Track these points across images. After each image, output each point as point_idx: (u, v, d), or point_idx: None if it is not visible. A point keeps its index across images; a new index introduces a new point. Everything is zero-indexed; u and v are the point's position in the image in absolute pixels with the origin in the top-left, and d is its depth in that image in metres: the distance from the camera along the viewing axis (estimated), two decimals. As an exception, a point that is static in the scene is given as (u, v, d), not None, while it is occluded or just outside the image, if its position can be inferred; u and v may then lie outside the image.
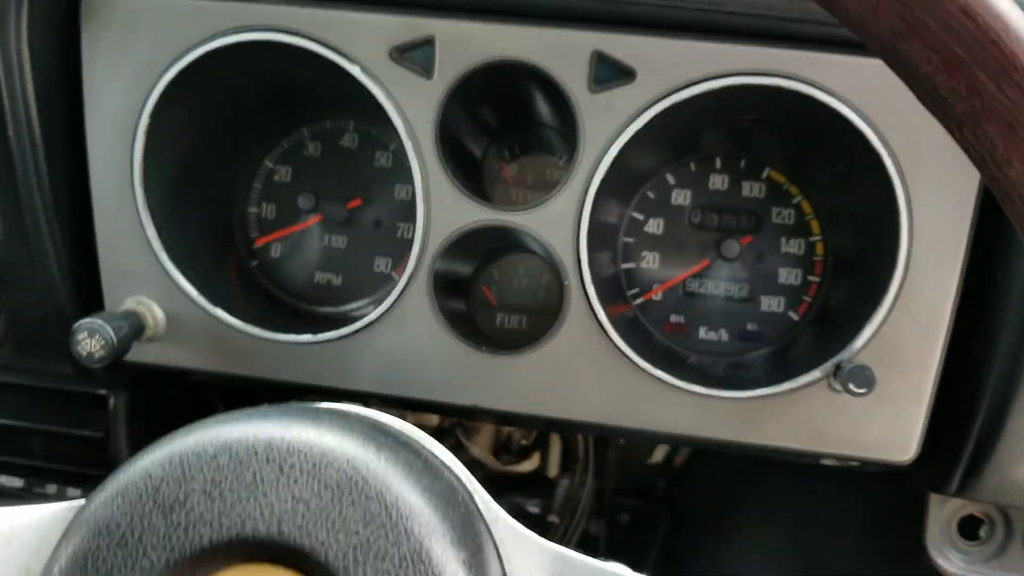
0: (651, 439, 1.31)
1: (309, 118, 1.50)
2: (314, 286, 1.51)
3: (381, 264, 1.50)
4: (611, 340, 1.26)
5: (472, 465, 1.70)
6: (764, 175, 1.41)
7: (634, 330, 1.40)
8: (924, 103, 0.57)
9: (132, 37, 1.24)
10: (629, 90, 1.17)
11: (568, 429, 1.83)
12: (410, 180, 1.44)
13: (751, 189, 1.42)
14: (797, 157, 1.38)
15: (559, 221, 1.24)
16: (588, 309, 1.26)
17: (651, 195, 1.43)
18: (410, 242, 1.46)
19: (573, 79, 1.18)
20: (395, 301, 1.30)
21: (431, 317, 1.30)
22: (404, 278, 1.29)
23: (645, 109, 1.17)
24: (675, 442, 1.31)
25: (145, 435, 1.63)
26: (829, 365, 1.22)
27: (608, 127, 1.19)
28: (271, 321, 1.38)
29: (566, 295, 1.26)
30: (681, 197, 1.43)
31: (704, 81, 1.15)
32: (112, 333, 1.25)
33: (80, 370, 1.45)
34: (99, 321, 1.25)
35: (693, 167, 1.42)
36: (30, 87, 1.23)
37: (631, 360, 1.26)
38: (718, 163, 1.42)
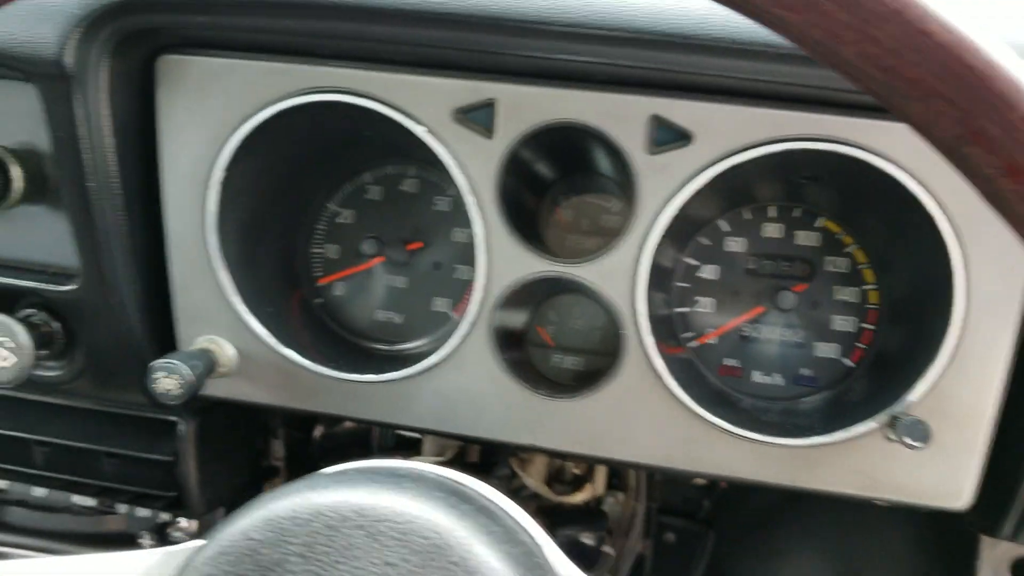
0: (705, 478, 1.34)
1: (371, 163, 1.54)
2: (375, 324, 1.56)
3: (440, 304, 1.54)
4: (668, 388, 1.29)
5: (527, 496, 1.74)
6: (818, 224, 1.44)
7: (688, 372, 1.43)
8: (986, 200, 0.59)
9: (206, 96, 1.30)
10: (686, 152, 1.20)
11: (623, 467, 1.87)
12: (468, 225, 1.50)
13: (805, 237, 1.44)
14: (850, 209, 1.40)
15: (617, 273, 1.28)
16: (645, 358, 1.30)
17: (705, 241, 1.46)
18: (468, 283, 1.51)
19: (631, 141, 1.21)
20: (457, 346, 1.35)
21: (491, 361, 1.35)
22: (466, 325, 1.33)
23: (702, 170, 1.20)
24: (729, 482, 1.34)
25: (211, 457, 1.69)
26: (884, 416, 1.25)
27: (666, 186, 1.23)
28: (334, 358, 1.44)
29: (623, 343, 1.30)
30: (735, 244, 1.46)
31: (760, 145, 1.18)
32: (188, 372, 1.31)
33: (153, 400, 1.51)
34: (175, 360, 1.31)
35: (747, 215, 1.45)
36: (108, 140, 1.29)
37: (687, 407, 1.30)
38: (772, 212, 1.45)
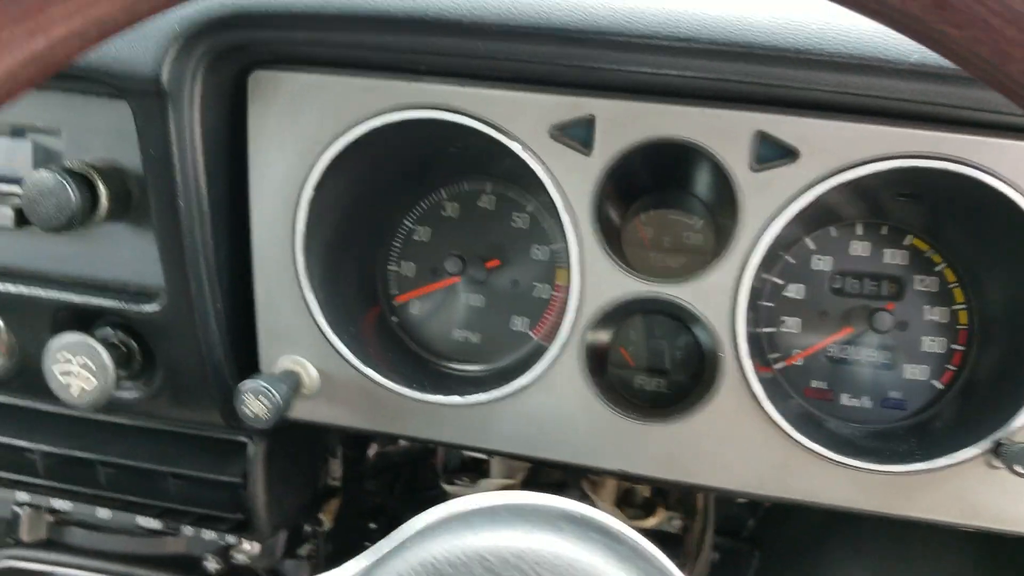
0: (797, 506, 1.32)
1: (448, 179, 1.53)
2: (453, 343, 1.54)
3: (518, 323, 1.52)
4: (765, 412, 1.27)
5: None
6: (906, 242, 1.41)
7: (780, 395, 1.41)
8: None
9: (298, 112, 1.28)
10: (792, 169, 1.19)
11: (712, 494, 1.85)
12: (547, 242, 1.49)
13: (893, 256, 1.42)
14: (940, 227, 1.38)
15: (715, 294, 1.26)
16: (743, 381, 1.27)
17: (791, 260, 1.44)
18: (547, 302, 1.50)
19: (734, 157, 1.20)
20: (547, 368, 1.33)
21: (581, 384, 1.33)
22: (556, 347, 1.31)
23: (808, 188, 1.18)
24: (821, 509, 1.31)
25: (277, 479, 1.68)
26: (988, 442, 1.22)
27: (769, 205, 1.21)
28: (415, 379, 1.42)
29: (720, 366, 1.28)
30: (822, 263, 1.43)
31: (871, 163, 1.16)
32: (277, 394, 1.30)
33: (231, 421, 1.50)
34: (264, 383, 1.30)
35: (834, 233, 1.43)
36: (200, 159, 1.28)
37: (785, 431, 1.27)
38: (859, 230, 1.42)
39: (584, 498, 1.78)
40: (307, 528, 1.94)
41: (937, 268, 1.41)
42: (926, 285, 1.42)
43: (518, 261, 1.52)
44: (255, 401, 1.28)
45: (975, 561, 2.01)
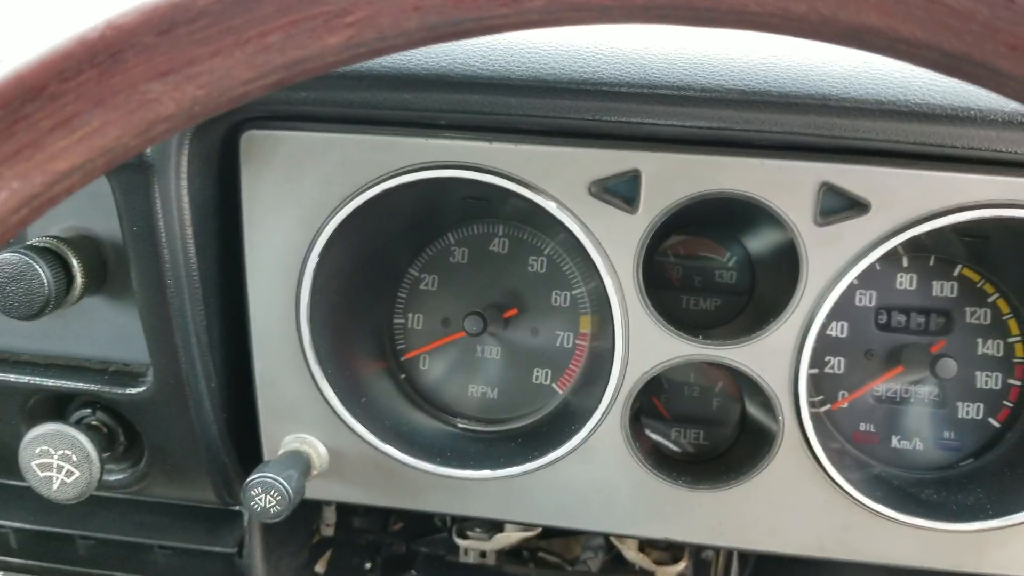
0: (856, 568, 1.24)
1: (455, 224, 1.39)
2: (469, 400, 1.42)
3: (540, 376, 1.40)
4: (828, 475, 1.17)
5: (623, 568, 1.62)
6: (956, 273, 1.32)
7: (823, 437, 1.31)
8: None
9: (298, 175, 1.14)
10: (861, 223, 1.07)
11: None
12: (567, 287, 1.37)
13: (941, 288, 1.32)
14: (995, 257, 1.28)
15: (774, 357, 1.15)
16: (803, 446, 1.17)
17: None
18: (571, 352, 1.38)
19: (797, 211, 1.08)
20: (586, 437, 1.21)
21: (624, 452, 1.21)
22: (598, 414, 1.20)
23: (880, 243, 1.08)
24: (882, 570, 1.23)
25: (275, 544, 1.55)
26: (1067, 494, 1.14)
27: (834, 262, 1.10)
28: (435, 448, 1.30)
29: (780, 429, 1.17)
30: (866, 298, 1.33)
31: (949, 214, 1.05)
32: (286, 485, 1.17)
33: (226, 500, 1.37)
34: (271, 475, 1.17)
35: (878, 267, 1.32)
36: (188, 231, 1.13)
37: (848, 493, 1.18)
38: (905, 262, 1.32)
39: (608, 546, 1.68)
40: (303, 583, 1.82)
41: (990, 299, 1.32)
42: (978, 318, 1.32)
43: (537, 309, 1.39)
44: (265, 496, 1.15)
45: None
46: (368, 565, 2.05)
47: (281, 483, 1.15)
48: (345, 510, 1.84)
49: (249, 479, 1.15)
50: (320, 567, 1.84)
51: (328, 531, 1.81)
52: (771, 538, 1.22)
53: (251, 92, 0.54)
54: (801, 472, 1.18)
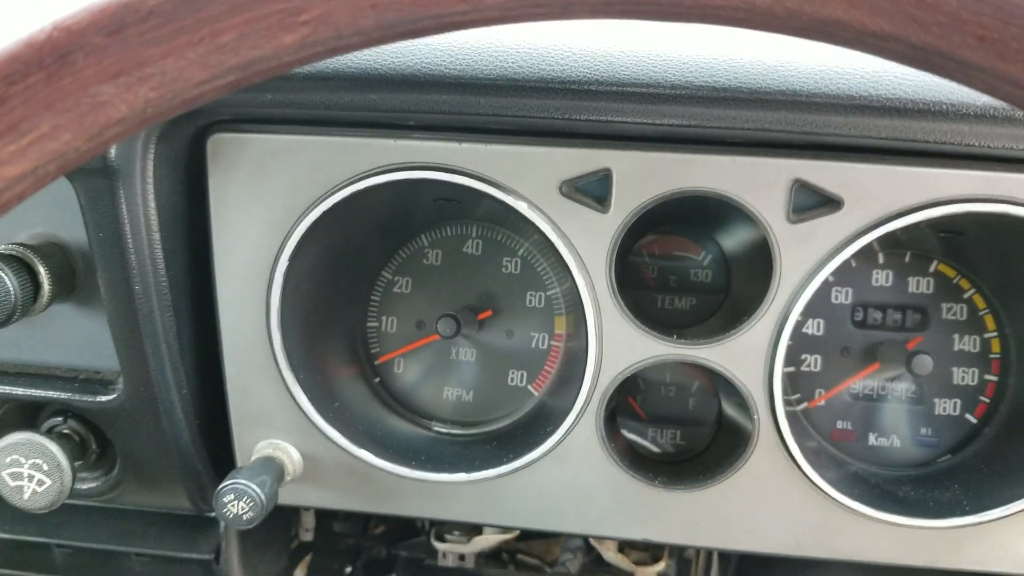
0: (841, 566, 1.23)
1: (428, 225, 1.38)
2: (444, 403, 1.40)
3: (516, 377, 1.39)
4: (804, 474, 1.17)
5: (606, 569, 1.61)
6: (932, 269, 1.31)
7: (800, 435, 1.31)
8: None
9: (266, 178, 1.13)
10: (834, 220, 1.07)
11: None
12: (542, 288, 1.36)
13: (918, 284, 1.32)
14: (972, 253, 1.28)
15: (749, 356, 1.14)
16: (780, 444, 1.17)
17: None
18: (545, 352, 1.37)
19: (770, 208, 1.07)
20: (561, 438, 1.20)
21: (600, 453, 1.21)
22: (573, 415, 1.19)
23: (854, 239, 1.07)
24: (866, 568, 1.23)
25: (252, 549, 1.53)
26: (1046, 489, 1.14)
27: (808, 259, 1.09)
28: (409, 452, 1.28)
29: (755, 428, 1.17)
30: (842, 295, 1.33)
31: (924, 209, 1.05)
32: (258, 491, 1.15)
33: (201, 507, 1.35)
34: (244, 481, 1.15)
35: (854, 263, 1.32)
36: (156, 236, 1.12)
37: (824, 492, 1.17)
38: (881, 258, 1.32)
39: (588, 548, 1.68)
40: (282, 589, 1.80)
41: (966, 295, 1.32)
42: (954, 314, 1.32)
43: (511, 310, 1.38)
44: (237, 503, 1.14)
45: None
46: (348, 569, 2.03)
47: (253, 489, 1.14)
48: (325, 515, 1.83)
49: (221, 486, 1.14)
50: (300, 572, 1.83)
51: (307, 536, 1.80)
52: (748, 537, 1.22)
53: (206, 94, 0.53)
54: (777, 471, 1.17)
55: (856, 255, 1.29)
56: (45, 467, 1.21)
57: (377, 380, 1.41)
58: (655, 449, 1.37)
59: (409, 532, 1.84)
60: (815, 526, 1.20)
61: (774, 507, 1.19)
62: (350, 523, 1.98)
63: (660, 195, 1.08)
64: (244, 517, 1.15)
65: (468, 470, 1.23)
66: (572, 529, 1.26)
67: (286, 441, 1.24)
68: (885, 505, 1.19)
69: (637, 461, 1.26)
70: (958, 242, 1.26)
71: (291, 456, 1.25)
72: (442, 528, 1.63)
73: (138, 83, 0.50)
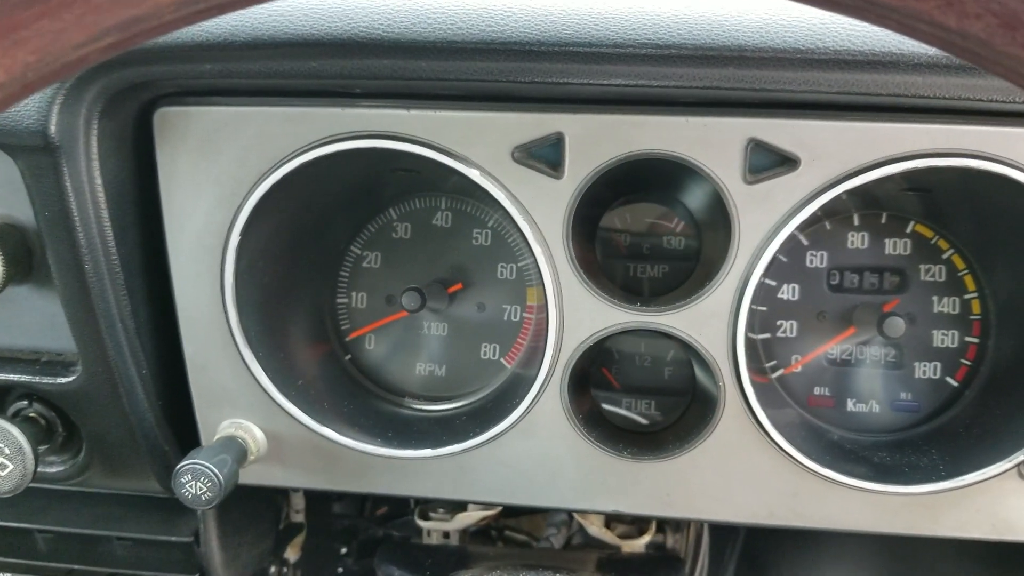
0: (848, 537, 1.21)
1: (396, 198, 1.35)
2: (416, 378, 1.38)
3: (488, 351, 1.37)
4: (773, 441, 1.14)
5: (587, 543, 1.59)
6: (909, 229, 1.28)
7: (773, 402, 1.28)
8: None
9: (215, 151, 1.10)
10: (791, 179, 1.04)
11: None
12: (513, 259, 1.33)
13: (895, 246, 1.28)
14: (948, 212, 1.25)
15: (711, 321, 1.11)
16: (746, 410, 1.14)
17: (784, 259, 1.29)
18: (518, 325, 1.35)
19: (725, 169, 1.04)
20: (526, 410, 1.18)
21: (566, 425, 1.18)
22: (536, 387, 1.16)
23: (811, 199, 1.04)
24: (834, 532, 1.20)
25: (233, 531, 1.52)
26: (1020, 455, 1.10)
27: (766, 220, 1.06)
28: (378, 428, 1.27)
29: (721, 396, 1.14)
30: (817, 259, 1.30)
31: (882, 166, 1.01)
32: (217, 471, 1.13)
33: (169, 488, 1.34)
34: (201, 461, 1.13)
35: (828, 226, 1.29)
36: (104, 213, 1.10)
37: (796, 460, 1.14)
38: (856, 220, 1.28)
39: (570, 520, 1.66)
40: (273, 570, 1.79)
41: (944, 255, 1.28)
42: (933, 275, 1.29)
43: (483, 282, 1.35)
44: (194, 482, 1.12)
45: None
46: (344, 550, 2.03)
47: (211, 469, 1.12)
48: (320, 496, 1.82)
49: (178, 466, 1.12)
50: (292, 553, 1.82)
51: (298, 517, 1.78)
52: (720, 507, 1.19)
53: (88, 57, 0.51)
54: (745, 439, 1.15)
55: (831, 218, 1.27)
56: (7, 451, 1.19)
57: (348, 357, 1.39)
58: (643, 421, 1.34)
59: (407, 512, 1.83)
60: (787, 494, 1.17)
61: (744, 476, 1.17)
62: (346, 504, 1.97)
63: (614, 158, 1.05)
64: (203, 497, 1.13)
65: (435, 445, 1.21)
66: (541, 503, 1.24)
67: (249, 420, 1.22)
68: (858, 472, 1.16)
69: (606, 432, 1.23)
70: (933, 201, 1.22)
71: (254, 435, 1.23)
72: (426, 506, 1.61)
73: (14, 47, 0.48)
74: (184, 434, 1.28)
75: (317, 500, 1.82)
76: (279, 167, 1.09)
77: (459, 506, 1.57)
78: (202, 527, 1.48)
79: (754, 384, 1.13)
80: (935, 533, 1.17)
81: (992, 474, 1.12)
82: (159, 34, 0.50)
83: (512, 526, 1.76)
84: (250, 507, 1.61)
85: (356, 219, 1.35)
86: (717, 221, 1.11)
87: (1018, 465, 1.12)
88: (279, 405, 1.21)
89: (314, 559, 1.88)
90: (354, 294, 1.38)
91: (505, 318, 1.35)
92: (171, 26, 0.51)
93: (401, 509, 1.84)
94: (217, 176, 1.11)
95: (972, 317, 1.28)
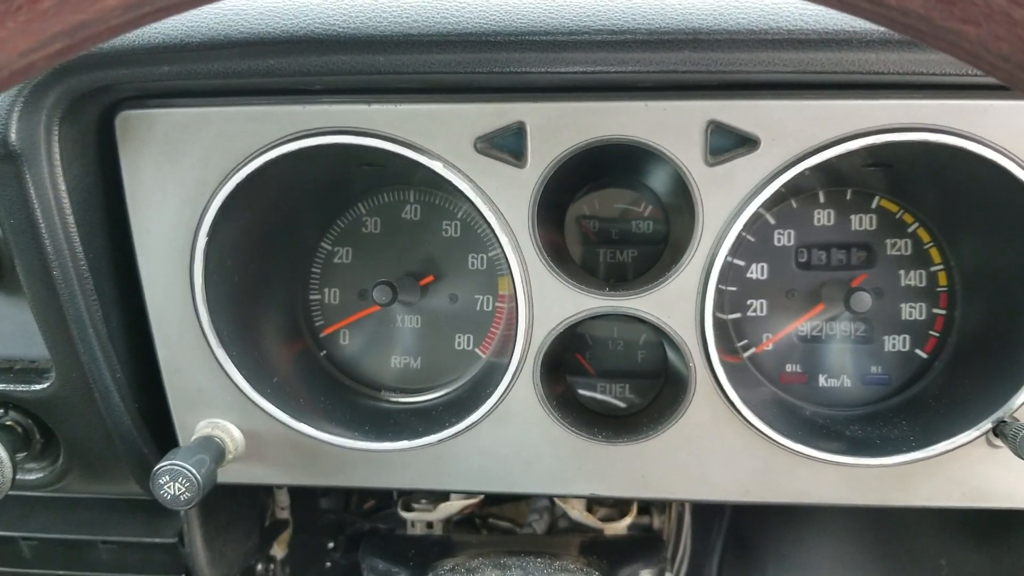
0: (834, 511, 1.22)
1: (365, 193, 1.36)
2: (391, 372, 1.39)
3: (462, 341, 1.38)
4: (746, 420, 1.15)
5: (569, 527, 1.60)
6: (874, 205, 1.29)
7: (746, 381, 1.29)
8: None
9: (178, 153, 1.10)
10: (752, 160, 1.04)
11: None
12: (483, 249, 1.34)
13: (860, 221, 1.30)
14: (912, 187, 1.26)
15: (679, 303, 1.12)
16: (717, 389, 1.15)
17: (751, 239, 1.31)
18: (491, 315, 1.35)
19: (686, 151, 1.05)
20: (500, 398, 1.18)
21: (539, 411, 1.19)
22: (508, 375, 1.17)
23: (772, 178, 1.05)
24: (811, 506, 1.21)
25: (217, 530, 1.53)
26: (988, 423, 1.12)
27: (728, 201, 1.07)
28: (355, 421, 1.27)
29: (692, 377, 1.15)
30: (784, 237, 1.31)
31: (841, 143, 1.02)
32: (194, 471, 1.14)
33: (150, 491, 1.34)
34: (179, 462, 1.13)
35: (795, 204, 1.30)
36: (71, 219, 1.09)
37: (768, 437, 1.16)
38: (822, 197, 1.29)
39: (552, 506, 1.67)
40: (260, 567, 1.80)
41: (910, 229, 1.29)
42: (899, 248, 1.30)
43: (454, 274, 1.36)
44: (172, 483, 1.12)
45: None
46: (331, 545, 2.03)
47: (188, 470, 1.12)
48: (307, 492, 1.83)
49: (156, 468, 1.12)
50: (279, 550, 1.82)
51: (283, 514, 1.79)
52: (695, 486, 1.20)
53: (36, 63, 0.51)
54: (717, 418, 1.16)
55: (797, 196, 1.28)
56: (-17, 461, 1.20)
57: (323, 353, 1.39)
58: (620, 405, 1.36)
59: (393, 505, 1.84)
60: (760, 471, 1.18)
61: (718, 454, 1.18)
62: (332, 499, 1.98)
63: (576, 146, 1.06)
64: (182, 498, 1.13)
65: (412, 437, 1.22)
66: (519, 489, 1.24)
67: (225, 419, 1.23)
68: (832, 446, 1.17)
69: (580, 417, 1.24)
70: (895, 176, 1.24)
71: (232, 434, 1.23)
72: (409, 498, 1.62)
73: None
74: (162, 436, 1.28)
75: (303, 496, 1.83)
76: (243, 166, 1.09)
77: (441, 496, 1.58)
78: (186, 527, 1.48)
79: (725, 364, 1.14)
80: (909, 503, 1.18)
81: (962, 443, 1.13)
82: (107, 38, 0.50)
83: (495, 514, 1.77)
84: (234, 505, 1.61)
85: (325, 215, 1.36)
86: (682, 204, 1.12)
87: (986, 433, 1.13)
88: (255, 403, 1.21)
89: (301, 555, 1.88)
90: (326, 290, 1.38)
91: (478, 308, 1.36)
92: (118, 30, 0.51)
93: (387, 502, 1.85)
94: (182, 177, 1.11)
95: (939, 289, 1.29)
